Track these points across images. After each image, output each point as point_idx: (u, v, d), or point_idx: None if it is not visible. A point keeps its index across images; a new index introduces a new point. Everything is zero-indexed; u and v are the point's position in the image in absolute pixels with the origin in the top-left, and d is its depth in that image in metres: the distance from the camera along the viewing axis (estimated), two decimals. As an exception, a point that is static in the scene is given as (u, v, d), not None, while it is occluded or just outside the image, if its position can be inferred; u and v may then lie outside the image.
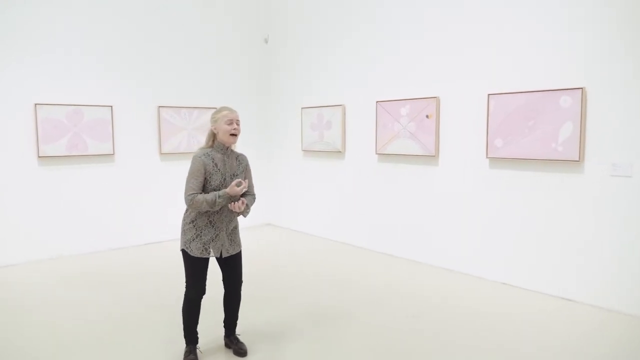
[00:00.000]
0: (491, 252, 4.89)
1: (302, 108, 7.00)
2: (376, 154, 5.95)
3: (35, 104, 5.60)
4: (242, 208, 3.07)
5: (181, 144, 6.78)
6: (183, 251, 3.15)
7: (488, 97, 4.74)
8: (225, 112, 3.14)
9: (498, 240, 4.83)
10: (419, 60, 5.43)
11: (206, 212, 3.09)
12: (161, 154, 6.63)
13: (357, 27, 6.15)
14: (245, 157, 3.35)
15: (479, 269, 5.00)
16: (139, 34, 6.38)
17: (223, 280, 3.32)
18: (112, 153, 6.19)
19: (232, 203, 3.05)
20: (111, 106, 6.15)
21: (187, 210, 3.18)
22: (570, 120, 4.20)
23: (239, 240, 3.30)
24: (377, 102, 5.87)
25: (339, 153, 6.50)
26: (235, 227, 3.28)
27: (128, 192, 6.40)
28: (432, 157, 5.35)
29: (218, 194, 2.99)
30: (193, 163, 3.09)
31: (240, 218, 3.35)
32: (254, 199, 3.31)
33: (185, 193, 3.03)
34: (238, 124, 3.16)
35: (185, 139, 6.81)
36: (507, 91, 4.63)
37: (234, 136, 3.15)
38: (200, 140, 6.92)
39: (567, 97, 4.20)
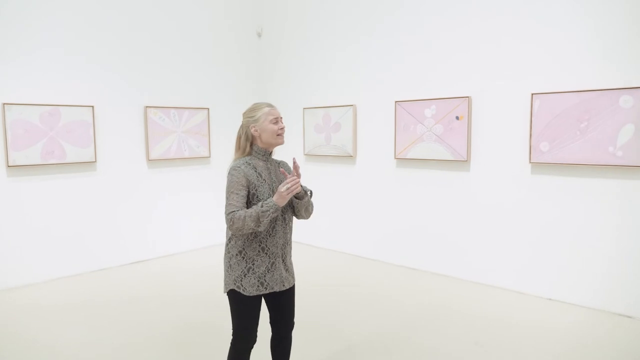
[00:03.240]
0: (535, 266, 4.50)
1: (304, 108, 6.41)
2: (395, 158, 5.46)
3: (4, 104, 4.73)
4: (300, 190, 2.45)
5: (171, 149, 6.04)
6: (231, 292, 2.51)
7: (532, 96, 4.35)
8: (266, 109, 2.53)
9: (542, 252, 4.45)
10: (447, 56, 4.97)
11: (255, 236, 2.46)
12: (149, 160, 5.86)
13: (371, 17, 5.63)
14: (287, 164, 2.77)
15: (520, 284, 4.60)
16: (124, 25, 5.59)
17: (271, 321, 2.68)
18: (93, 160, 5.38)
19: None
20: (92, 106, 5.33)
21: (230, 240, 2.53)
22: (631, 122, 3.85)
23: (293, 271, 2.68)
24: (395, 102, 5.37)
25: (349, 157, 5.96)
26: (290, 252, 2.65)
27: (112, 204, 5.60)
28: (463, 162, 4.91)
29: (261, 205, 2.34)
30: (232, 175, 2.45)
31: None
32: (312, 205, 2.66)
33: (225, 213, 2.41)
34: (283, 122, 2.60)
35: (176, 143, 6.07)
36: (555, 90, 4.25)
37: (282, 137, 2.57)
38: (191, 145, 6.22)
39: (628, 97, 3.85)
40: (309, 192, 2.60)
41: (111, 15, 5.48)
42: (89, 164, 5.38)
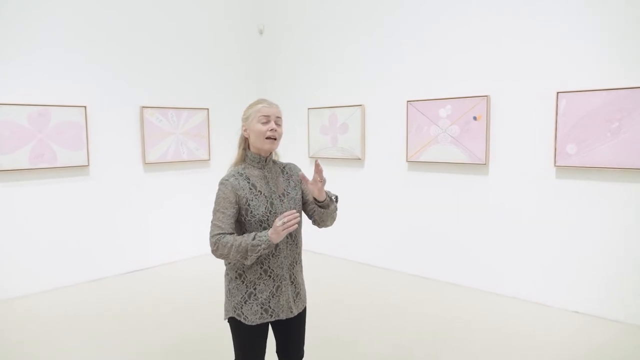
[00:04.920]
0: (559, 277, 4.21)
1: (308, 109, 6.10)
2: (407, 161, 5.16)
3: (-11, 104, 4.42)
4: (324, 196, 2.17)
5: (168, 152, 5.71)
6: (231, 321, 2.20)
7: (557, 95, 4.06)
8: (259, 106, 2.20)
9: (568, 262, 4.16)
10: (464, 52, 4.68)
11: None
12: (145, 163, 5.53)
13: (378, 10, 5.33)
14: (296, 167, 2.39)
15: (543, 296, 4.30)
16: (119, 21, 5.26)
17: (277, 351, 2.37)
18: (86, 164, 5.05)
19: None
20: (84, 107, 5.01)
21: (228, 262, 2.21)
22: (668, 123, 3.58)
23: (305, 292, 2.34)
24: (407, 101, 5.07)
25: (357, 160, 5.66)
26: (301, 272, 2.32)
27: (107, 210, 5.26)
28: (481, 166, 4.62)
29: (253, 237, 2.01)
30: (219, 189, 2.15)
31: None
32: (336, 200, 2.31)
33: (209, 234, 2.09)
34: (279, 124, 2.21)
35: (174, 146, 5.75)
36: (583, 89, 3.96)
37: (272, 140, 2.18)
38: (190, 147, 5.90)
39: (665, 96, 3.58)
40: (334, 198, 2.27)
41: (110, 15, 5.16)
42: (81, 168, 5.05)
